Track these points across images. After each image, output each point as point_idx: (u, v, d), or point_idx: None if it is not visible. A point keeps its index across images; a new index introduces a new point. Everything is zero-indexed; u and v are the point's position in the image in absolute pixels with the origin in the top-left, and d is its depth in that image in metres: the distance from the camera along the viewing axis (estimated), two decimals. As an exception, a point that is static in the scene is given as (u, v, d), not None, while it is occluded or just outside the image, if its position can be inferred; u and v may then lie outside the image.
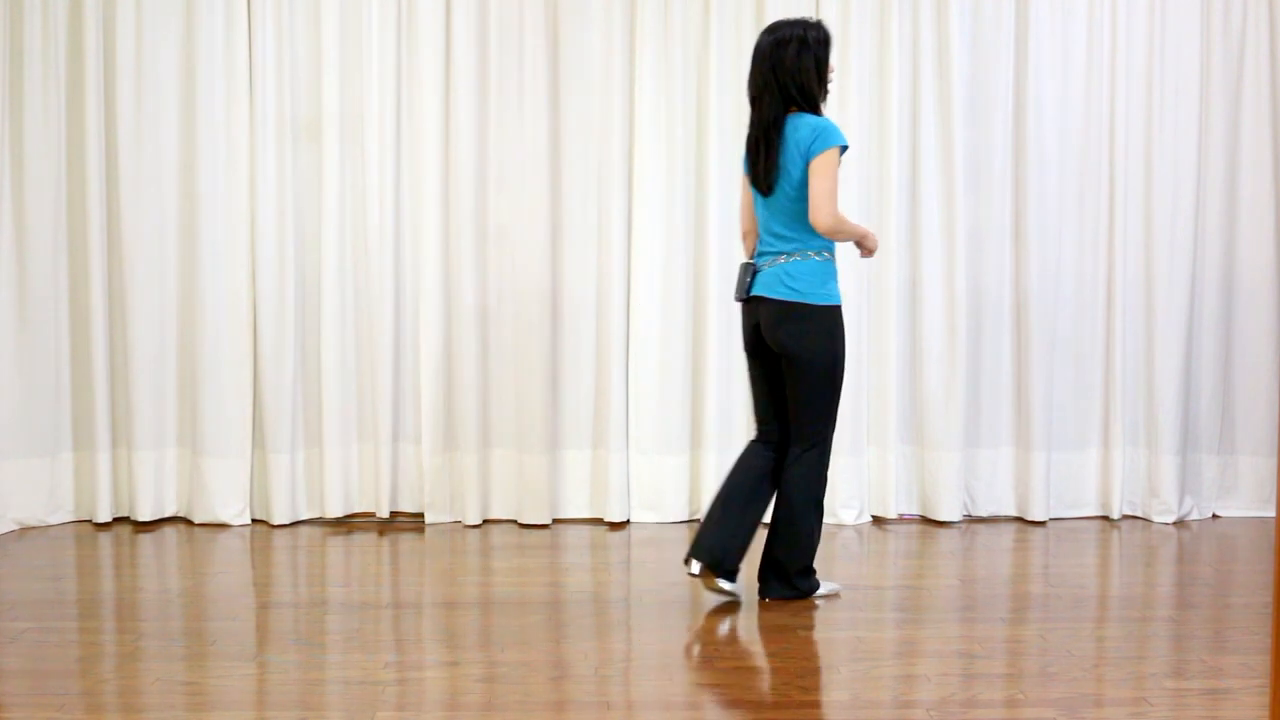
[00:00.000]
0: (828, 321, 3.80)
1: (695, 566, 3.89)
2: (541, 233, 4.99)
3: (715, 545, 3.86)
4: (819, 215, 3.72)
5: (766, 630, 3.76)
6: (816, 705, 3.11)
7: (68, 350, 4.98)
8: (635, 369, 5.04)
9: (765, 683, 3.30)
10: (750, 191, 3.95)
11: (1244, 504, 5.22)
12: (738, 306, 5.01)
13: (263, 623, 3.80)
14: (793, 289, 3.78)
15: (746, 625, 3.78)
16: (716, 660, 3.44)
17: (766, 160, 3.81)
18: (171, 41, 4.93)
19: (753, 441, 4.01)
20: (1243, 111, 5.11)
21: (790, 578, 3.93)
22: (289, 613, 3.87)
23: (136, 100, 4.93)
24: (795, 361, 3.81)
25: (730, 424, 5.07)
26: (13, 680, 3.26)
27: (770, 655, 3.52)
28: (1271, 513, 5.14)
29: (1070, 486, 5.16)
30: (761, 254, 3.90)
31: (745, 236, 4.00)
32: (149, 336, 4.97)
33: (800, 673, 3.35)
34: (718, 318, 5.00)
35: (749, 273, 3.88)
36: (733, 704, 3.13)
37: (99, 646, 3.55)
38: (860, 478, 5.03)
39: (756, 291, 3.86)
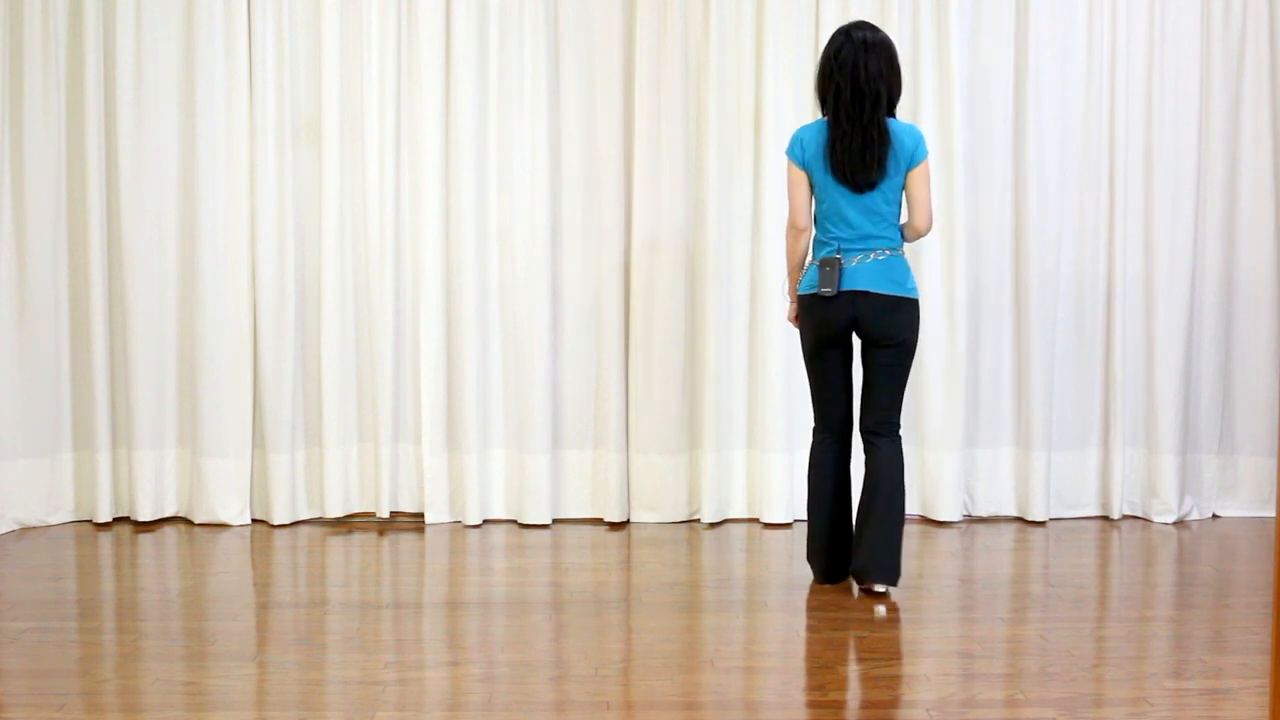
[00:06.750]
0: (918, 312, 4.02)
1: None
2: (541, 233, 4.99)
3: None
4: (927, 220, 3.98)
5: (766, 630, 3.76)
6: (817, 705, 3.11)
7: (68, 350, 4.98)
8: (634, 369, 5.04)
9: (765, 683, 3.30)
10: (806, 187, 4.00)
11: (1244, 504, 5.21)
12: (738, 306, 5.04)
13: (263, 623, 3.80)
14: (898, 283, 3.95)
15: (746, 625, 3.78)
16: (716, 660, 3.44)
17: (871, 159, 3.89)
18: (171, 41, 4.93)
19: (830, 441, 4.12)
20: (1243, 111, 5.10)
21: (899, 560, 4.02)
22: (289, 613, 3.88)
23: (136, 100, 4.93)
24: (901, 349, 3.98)
25: (730, 424, 5.06)
26: (13, 680, 3.26)
27: (770, 655, 3.52)
28: (1271, 513, 5.14)
29: (1070, 486, 5.15)
30: (843, 250, 3.94)
31: (802, 233, 4.05)
32: (149, 336, 4.97)
33: (800, 673, 3.35)
34: (717, 317, 4.99)
35: (837, 267, 3.91)
36: (733, 704, 3.12)
37: (99, 646, 3.56)
38: (860, 478, 5.01)
39: (860, 286, 3.92)
